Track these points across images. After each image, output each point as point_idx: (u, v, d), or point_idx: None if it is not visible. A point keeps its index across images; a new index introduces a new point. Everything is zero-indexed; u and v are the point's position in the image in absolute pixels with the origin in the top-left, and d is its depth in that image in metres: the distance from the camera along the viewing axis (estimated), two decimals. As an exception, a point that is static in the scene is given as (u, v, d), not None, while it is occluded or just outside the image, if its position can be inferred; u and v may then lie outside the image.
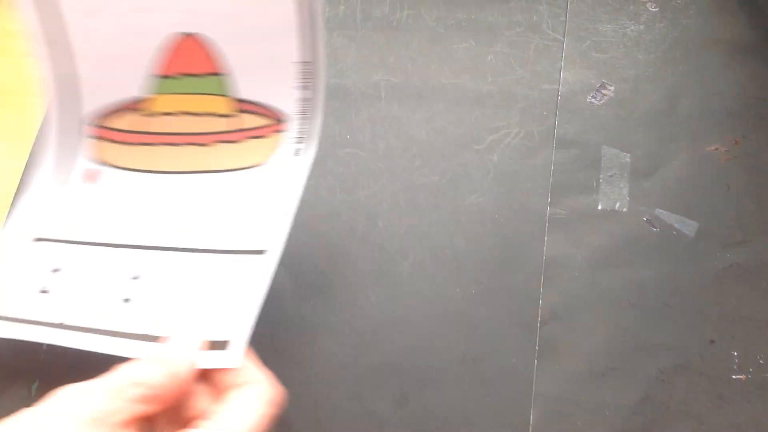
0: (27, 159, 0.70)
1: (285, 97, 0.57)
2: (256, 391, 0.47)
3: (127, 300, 0.55)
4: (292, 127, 0.57)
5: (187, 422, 0.47)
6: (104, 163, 0.61)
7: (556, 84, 0.69)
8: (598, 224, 0.64)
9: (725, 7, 0.71)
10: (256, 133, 0.58)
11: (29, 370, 0.63)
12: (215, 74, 0.58)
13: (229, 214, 0.57)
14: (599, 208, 0.64)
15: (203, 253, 0.56)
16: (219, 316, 0.52)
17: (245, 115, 0.58)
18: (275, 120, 0.57)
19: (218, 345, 0.50)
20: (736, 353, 0.59)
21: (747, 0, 0.72)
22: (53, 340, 0.55)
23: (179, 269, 0.56)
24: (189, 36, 0.59)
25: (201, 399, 0.49)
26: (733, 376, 0.59)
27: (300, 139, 0.57)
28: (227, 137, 0.59)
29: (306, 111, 0.57)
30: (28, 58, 0.62)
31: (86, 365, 0.61)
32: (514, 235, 0.64)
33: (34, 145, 0.71)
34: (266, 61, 0.57)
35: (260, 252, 0.54)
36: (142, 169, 0.61)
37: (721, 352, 0.59)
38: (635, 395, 0.59)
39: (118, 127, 0.61)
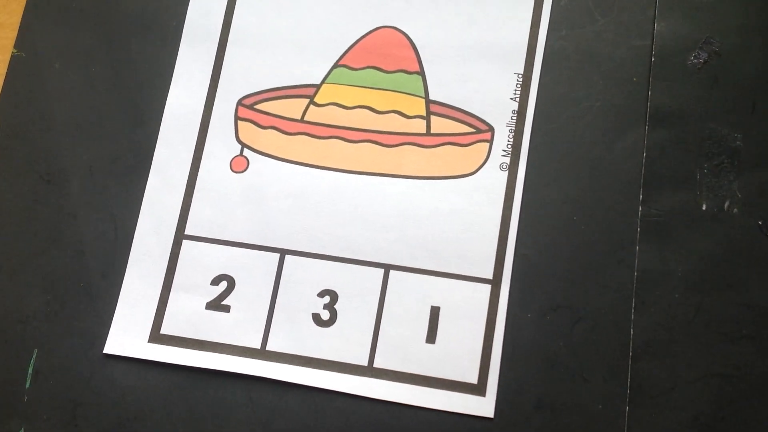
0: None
1: (495, 107, 0.52)
2: None
3: (320, 320, 0.51)
4: (499, 139, 0.51)
5: None
6: (255, 150, 0.53)
7: (649, 39, 0.53)
8: (701, 230, 0.49)
9: None
10: (452, 140, 0.52)
11: (11, 414, 0.50)
12: (407, 72, 0.54)
13: (428, 228, 0.52)
14: (703, 208, 0.50)
15: (410, 273, 0.51)
16: (450, 350, 0.50)
17: (438, 119, 0.53)
18: (476, 129, 0.51)
19: (468, 388, 0.49)
20: None
21: None
22: (239, 368, 0.50)
23: (386, 290, 0.51)
24: (387, 29, 0.55)
25: None
26: None
27: (507, 153, 0.51)
28: (416, 140, 0.52)
29: (515, 123, 0.52)
30: None
31: (78, 407, 0.49)
32: (598, 244, 0.50)
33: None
34: (484, 68, 0.54)
35: (485, 281, 0.50)
36: (302, 162, 0.53)
37: None
38: (749, 454, 0.47)
39: (278, 113, 0.53)
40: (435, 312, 0.50)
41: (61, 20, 0.58)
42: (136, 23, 0.57)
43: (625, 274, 0.50)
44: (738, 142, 0.51)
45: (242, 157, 0.54)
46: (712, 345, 0.48)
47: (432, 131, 0.53)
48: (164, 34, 0.57)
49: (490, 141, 0.53)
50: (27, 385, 0.51)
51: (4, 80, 0.57)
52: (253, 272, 0.52)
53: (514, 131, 0.53)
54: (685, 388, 0.48)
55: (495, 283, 0.50)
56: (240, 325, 0.51)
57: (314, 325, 0.50)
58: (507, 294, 0.50)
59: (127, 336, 0.51)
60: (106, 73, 0.56)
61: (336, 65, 0.55)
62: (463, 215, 0.51)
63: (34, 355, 0.52)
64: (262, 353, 0.50)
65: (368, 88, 0.54)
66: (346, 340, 0.50)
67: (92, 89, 0.56)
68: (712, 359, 0.48)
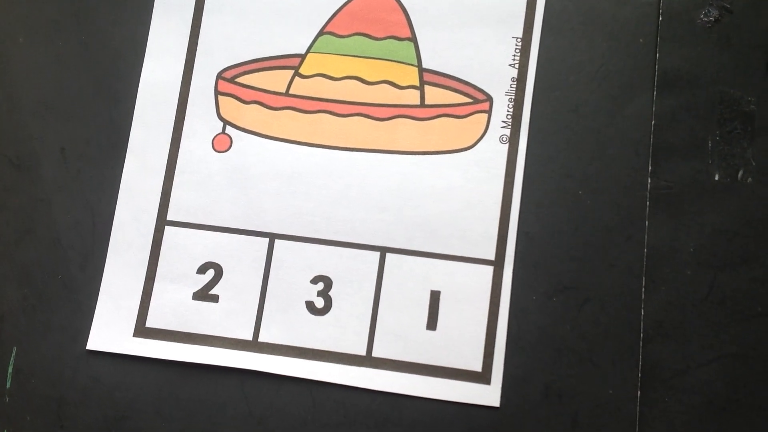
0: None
1: (493, 75, 0.48)
2: None
3: (314, 308, 0.47)
4: (498, 110, 0.47)
5: None
6: (238, 128, 0.49)
7: (655, -4, 0.48)
8: (713, 201, 0.46)
9: None
10: (448, 111, 0.47)
11: (-8, 420, 0.46)
12: (397, 38, 0.49)
13: (426, 207, 0.48)
14: (716, 178, 0.46)
15: (408, 256, 0.47)
16: (452, 337, 0.46)
17: (433, 89, 0.48)
18: (473, 99, 0.47)
19: (472, 376, 0.46)
20: None
21: None
22: (230, 362, 0.47)
23: (383, 275, 0.47)
24: None
25: None
26: None
27: (507, 124, 0.47)
28: (410, 112, 0.48)
29: (515, 92, 0.47)
30: None
31: (63, 406, 0.45)
32: (605, 219, 0.46)
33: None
34: (480, 32, 0.49)
35: (487, 262, 0.47)
36: (289, 138, 0.49)
37: None
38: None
39: (261, 86, 0.49)
40: (435, 296, 0.46)
41: (23, -10, 0.53)
42: (104, -9, 0.52)
43: (634, 251, 0.46)
44: (752, 106, 0.47)
45: (225, 135, 0.49)
46: (727, 324, 0.45)
47: (426, 102, 0.49)
48: (135, 3, 0.52)
49: (489, 111, 0.48)
50: (7, 385, 0.48)
51: (-35, 58, 0.52)
52: (241, 259, 0.48)
53: (514, 100, 0.48)
54: (699, 370, 0.45)
55: (497, 264, 0.46)
56: (230, 315, 0.47)
57: (308, 313, 0.47)
58: (510, 276, 0.47)
59: (110, 330, 0.48)
60: (74, 48, 0.52)
61: (321, 32, 0.50)
62: (462, 192, 0.47)
63: (14, 353, 0.48)
64: (254, 345, 0.47)
65: (357, 57, 0.50)
66: (343, 329, 0.47)
67: (60, 65, 0.51)
68: (727, 339, 0.45)
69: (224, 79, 0.50)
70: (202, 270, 0.48)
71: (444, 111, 0.48)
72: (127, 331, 0.48)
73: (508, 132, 0.48)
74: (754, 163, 0.47)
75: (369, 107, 0.49)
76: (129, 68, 0.51)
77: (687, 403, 0.45)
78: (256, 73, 0.50)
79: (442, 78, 0.49)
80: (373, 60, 0.49)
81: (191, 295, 0.48)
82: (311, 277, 0.47)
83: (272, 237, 0.48)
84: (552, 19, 0.49)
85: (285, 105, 0.49)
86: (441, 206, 0.47)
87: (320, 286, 0.47)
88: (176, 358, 0.47)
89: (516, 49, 0.49)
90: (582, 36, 0.49)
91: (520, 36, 0.49)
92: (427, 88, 0.49)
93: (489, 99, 0.49)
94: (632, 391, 0.45)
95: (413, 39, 0.49)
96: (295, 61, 0.50)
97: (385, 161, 0.48)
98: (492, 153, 0.48)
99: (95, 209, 0.50)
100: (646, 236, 0.47)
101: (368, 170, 0.48)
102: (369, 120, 0.49)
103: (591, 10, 0.49)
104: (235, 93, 0.50)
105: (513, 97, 0.48)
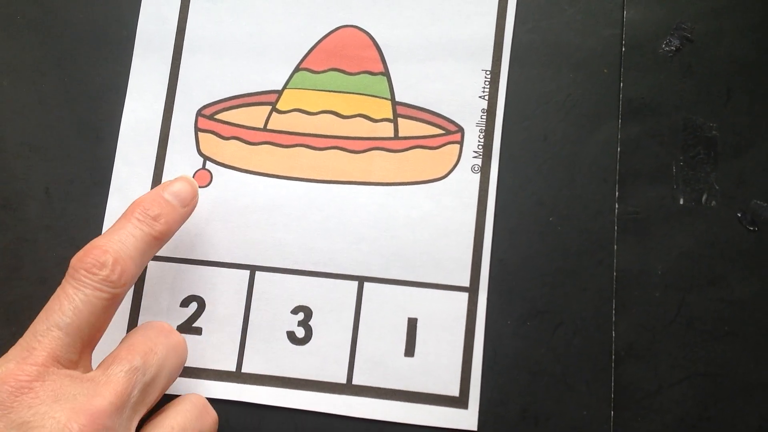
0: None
1: (464, 106, 0.48)
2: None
3: (295, 338, 0.47)
4: (470, 140, 0.47)
5: None
6: (218, 163, 0.49)
7: (618, 27, 0.49)
8: (679, 225, 0.46)
9: None
10: (421, 143, 0.48)
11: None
12: (371, 73, 0.49)
13: (401, 237, 0.48)
14: (681, 202, 0.46)
15: (385, 284, 0.48)
16: (430, 363, 0.47)
17: (406, 121, 0.48)
18: (445, 130, 0.47)
19: (449, 401, 0.46)
20: None
21: None
22: (214, 393, 0.47)
23: (361, 304, 0.48)
24: (349, 29, 0.51)
25: None
26: None
27: (478, 154, 0.47)
28: (384, 144, 0.48)
29: (485, 123, 0.47)
30: None
31: None
32: (576, 245, 0.47)
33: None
34: (450, 66, 0.50)
35: (462, 289, 0.47)
36: (268, 173, 0.49)
37: (837, 387, 0.44)
38: (737, 454, 0.45)
39: (239, 122, 0.49)
40: (412, 324, 0.47)
41: (7, 33, 0.53)
42: (86, 34, 0.53)
43: (605, 275, 0.47)
44: (714, 132, 0.48)
45: (205, 171, 0.50)
46: (696, 344, 0.46)
47: (400, 134, 0.49)
48: (116, 45, 0.52)
49: (461, 142, 0.49)
50: (-3, 421, 0.48)
51: (-49, 101, 0.52)
52: (223, 291, 0.48)
53: (485, 131, 0.49)
54: (670, 390, 0.45)
55: (472, 290, 0.47)
56: (213, 347, 0.47)
57: (289, 343, 0.47)
58: (485, 301, 0.47)
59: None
60: (57, 89, 0.52)
61: (297, 69, 0.50)
62: (437, 221, 0.48)
63: (3, 390, 0.48)
64: (237, 376, 0.47)
65: (332, 91, 0.50)
66: (323, 358, 0.47)
67: (43, 106, 0.52)
68: (696, 359, 0.46)
69: (204, 116, 0.50)
70: (185, 303, 0.48)
71: (417, 143, 0.49)
72: None
73: (479, 162, 0.48)
74: (717, 187, 0.47)
75: (345, 140, 0.49)
76: (111, 108, 0.51)
77: (659, 422, 0.45)
78: (235, 110, 0.50)
79: (415, 110, 0.49)
80: (347, 94, 0.50)
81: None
82: (292, 308, 0.48)
83: (253, 269, 0.48)
84: (519, 52, 0.50)
85: (263, 140, 0.50)
86: (416, 235, 0.48)
87: (300, 316, 0.47)
88: (161, 391, 0.47)
89: (485, 81, 0.49)
90: (549, 67, 0.50)
91: (489, 68, 0.50)
92: (400, 120, 0.49)
93: (460, 130, 0.49)
94: (606, 412, 0.46)
95: (386, 73, 0.50)
96: (272, 97, 0.50)
97: (362, 193, 0.49)
98: (464, 182, 0.48)
99: (80, 246, 0.50)
100: (615, 260, 0.47)
101: (345, 202, 0.49)
102: (345, 153, 0.49)
103: (556, 42, 0.50)
104: (214, 129, 0.50)
105: (484, 127, 0.49)
